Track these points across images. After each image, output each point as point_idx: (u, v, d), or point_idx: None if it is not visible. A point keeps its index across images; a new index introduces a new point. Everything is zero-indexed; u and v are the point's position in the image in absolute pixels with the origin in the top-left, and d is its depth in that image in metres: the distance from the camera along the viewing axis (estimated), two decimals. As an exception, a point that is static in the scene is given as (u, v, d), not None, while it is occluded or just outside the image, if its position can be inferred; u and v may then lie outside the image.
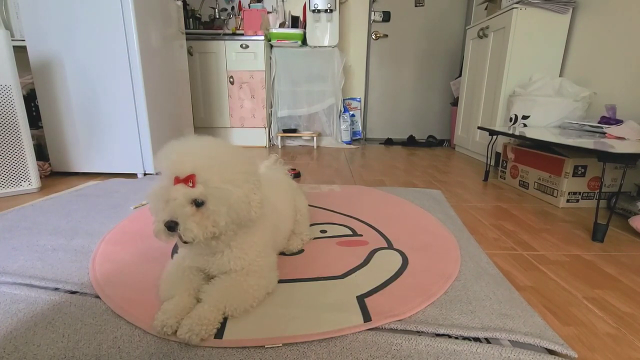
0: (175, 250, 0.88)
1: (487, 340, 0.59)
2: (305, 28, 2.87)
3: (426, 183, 1.77)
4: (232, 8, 3.17)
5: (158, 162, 0.60)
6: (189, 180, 0.56)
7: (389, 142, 3.34)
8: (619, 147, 1.13)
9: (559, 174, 1.39)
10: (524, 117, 1.85)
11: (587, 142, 1.23)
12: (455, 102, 2.93)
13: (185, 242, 0.58)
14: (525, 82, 1.98)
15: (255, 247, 0.68)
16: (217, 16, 3.10)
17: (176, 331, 0.57)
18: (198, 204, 0.57)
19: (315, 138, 2.96)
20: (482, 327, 0.61)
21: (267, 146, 2.96)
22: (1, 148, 1.41)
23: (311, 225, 1.06)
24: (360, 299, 0.69)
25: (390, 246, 0.95)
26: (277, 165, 1.06)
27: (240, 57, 2.75)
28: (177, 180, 0.57)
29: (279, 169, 1.04)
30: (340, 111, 3.01)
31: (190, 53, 2.66)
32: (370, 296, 0.70)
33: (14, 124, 1.42)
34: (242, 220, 0.62)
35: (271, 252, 0.75)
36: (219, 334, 0.58)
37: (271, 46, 2.89)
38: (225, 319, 0.61)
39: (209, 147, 0.62)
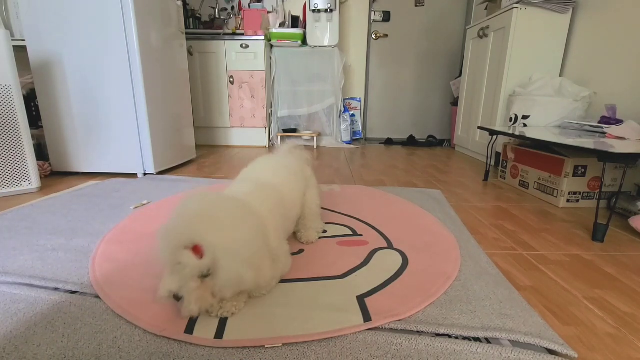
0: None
1: (487, 340, 0.59)
2: (305, 28, 2.86)
3: (426, 183, 1.77)
4: (232, 8, 3.17)
5: (163, 233, 0.57)
6: (196, 251, 0.55)
7: (389, 142, 3.34)
8: (619, 147, 1.13)
9: (559, 174, 1.39)
10: (524, 117, 1.85)
11: (587, 142, 1.23)
12: (455, 102, 2.93)
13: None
14: (525, 82, 1.98)
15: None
16: (217, 16, 3.10)
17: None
18: (205, 275, 0.57)
19: (315, 138, 2.96)
20: (482, 327, 0.61)
21: (267, 146, 2.96)
22: (1, 148, 1.41)
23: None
24: (360, 299, 0.69)
25: (390, 246, 0.95)
26: (295, 151, 1.07)
27: (240, 57, 2.75)
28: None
29: (297, 155, 1.05)
30: (340, 111, 3.01)
31: (190, 53, 2.67)
32: (370, 296, 0.70)
33: (14, 124, 1.42)
34: (248, 289, 0.65)
35: (283, 240, 0.78)
36: (219, 334, 0.58)
37: (271, 46, 2.89)
38: (226, 319, 0.62)
39: (213, 209, 0.59)
